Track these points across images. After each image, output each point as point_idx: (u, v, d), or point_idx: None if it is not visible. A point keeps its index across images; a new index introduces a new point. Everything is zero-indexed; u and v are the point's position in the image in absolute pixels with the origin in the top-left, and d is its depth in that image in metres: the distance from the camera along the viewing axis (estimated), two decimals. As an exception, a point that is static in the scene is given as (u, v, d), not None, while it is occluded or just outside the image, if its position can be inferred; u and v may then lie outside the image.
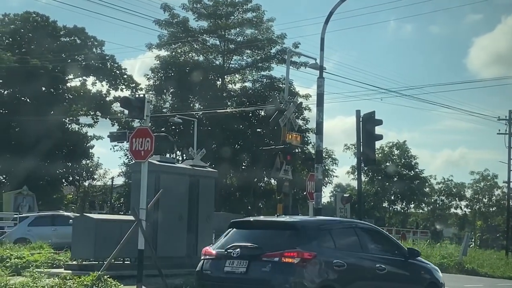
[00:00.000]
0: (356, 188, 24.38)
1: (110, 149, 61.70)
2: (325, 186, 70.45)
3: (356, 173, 50.09)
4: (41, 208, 44.91)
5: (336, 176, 76.33)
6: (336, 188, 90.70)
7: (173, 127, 52.23)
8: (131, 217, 14.56)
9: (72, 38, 60.24)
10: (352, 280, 11.39)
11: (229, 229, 11.79)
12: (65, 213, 33.15)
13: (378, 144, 34.13)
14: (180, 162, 24.86)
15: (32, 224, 30.16)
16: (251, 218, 13.41)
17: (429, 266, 13.58)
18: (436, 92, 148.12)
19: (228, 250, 11.05)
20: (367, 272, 11.75)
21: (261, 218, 13.77)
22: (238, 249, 10.97)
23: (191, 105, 55.86)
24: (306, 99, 55.64)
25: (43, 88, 55.39)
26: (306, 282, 10.69)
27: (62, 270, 16.25)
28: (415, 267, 12.92)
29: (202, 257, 11.65)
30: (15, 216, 33.81)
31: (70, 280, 12.71)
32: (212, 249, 11.48)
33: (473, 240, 78.97)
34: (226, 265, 11.00)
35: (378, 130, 21.63)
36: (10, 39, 57.90)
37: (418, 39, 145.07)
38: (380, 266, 11.88)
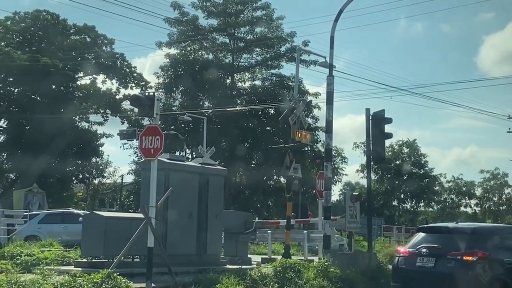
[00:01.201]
0: (366, 186, 24.37)
1: (120, 147, 62.27)
2: (335, 185, 70.66)
3: (365, 171, 50.10)
4: (51, 205, 44.98)
5: (345, 175, 76.64)
6: (345, 186, 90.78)
7: (183, 125, 52.26)
8: (140, 215, 14.58)
9: (82, 36, 60.34)
10: None
11: (418, 233, 15.24)
12: (75, 211, 33.23)
13: (387, 142, 34.18)
14: (189, 160, 24.85)
15: (42, 221, 30.25)
16: (436, 225, 17.34)
17: None
18: (447, 91, 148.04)
19: (419, 249, 14.15)
20: None
21: (444, 225, 16.96)
22: (427, 249, 14.02)
23: (201, 103, 55.86)
24: (316, 97, 55.64)
25: (54, 86, 55.47)
26: (482, 276, 13.42)
27: (72, 267, 16.28)
28: None
29: (397, 255, 15.16)
30: (25, 213, 33.89)
31: (80, 278, 12.70)
32: (405, 249, 14.78)
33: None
34: (417, 261, 14.08)
35: (388, 128, 21.64)
36: (21, 38, 58.04)
37: (429, 37, 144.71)
38: None
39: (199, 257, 18.43)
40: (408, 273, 14.28)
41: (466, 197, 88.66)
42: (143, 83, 60.58)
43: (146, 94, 15.56)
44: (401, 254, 14.75)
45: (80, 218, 19.51)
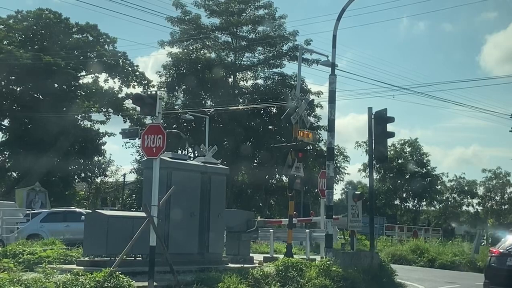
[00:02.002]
0: (368, 185, 24.32)
1: (122, 146, 62.25)
2: (337, 184, 70.69)
3: (367, 170, 50.22)
4: (53, 204, 45.08)
5: (347, 174, 76.51)
6: (347, 185, 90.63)
7: (185, 124, 52.34)
8: (142, 214, 14.58)
9: (85, 35, 60.44)
10: None
11: (509, 235, 16.52)
12: (77, 210, 33.29)
13: (390, 141, 34.12)
14: (192, 159, 24.86)
15: (45, 220, 30.32)
16: None
17: None
18: (449, 90, 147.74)
19: (509, 250, 15.53)
20: None
21: None
22: None
23: (203, 102, 55.93)
24: (318, 96, 55.71)
25: (56, 85, 55.58)
26: None
27: (74, 266, 16.27)
28: None
29: (489, 254, 16.63)
30: (28, 212, 33.94)
31: (82, 276, 12.70)
32: (497, 250, 16.10)
33: (485, 237, 78.78)
34: (507, 261, 15.39)
35: (390, 127, 21.55)
36: (23, 36, 58.15)
37: (431, 36, 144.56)
38: None
39: (201, 255, 18.41)
40: (499, 271, 15.60)
41: (468, 196, 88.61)
42: (146, 82, 60.67)
43: (149, 93, 15.57)
44: (493, 254, 16.15)
45: (82, 216, 19.55)
